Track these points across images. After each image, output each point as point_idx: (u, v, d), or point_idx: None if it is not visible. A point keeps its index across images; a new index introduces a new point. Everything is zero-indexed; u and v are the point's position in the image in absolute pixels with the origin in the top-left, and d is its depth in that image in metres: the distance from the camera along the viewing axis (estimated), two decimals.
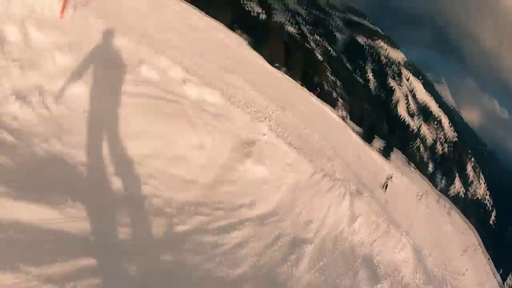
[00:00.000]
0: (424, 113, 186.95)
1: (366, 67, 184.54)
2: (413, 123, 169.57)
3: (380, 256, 9.78)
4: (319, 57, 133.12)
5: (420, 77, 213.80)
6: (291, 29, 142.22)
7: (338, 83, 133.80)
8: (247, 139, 7.00)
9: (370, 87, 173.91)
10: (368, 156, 31.18)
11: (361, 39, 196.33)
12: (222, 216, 4.79)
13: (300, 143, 12.59)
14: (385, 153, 64.63)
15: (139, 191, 4.24)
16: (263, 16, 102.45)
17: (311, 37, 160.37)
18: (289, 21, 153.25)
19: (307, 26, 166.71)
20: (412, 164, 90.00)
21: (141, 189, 4.27)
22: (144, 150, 4.78)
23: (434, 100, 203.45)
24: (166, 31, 13.80)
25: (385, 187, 21.18)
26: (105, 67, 5.44)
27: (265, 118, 11.40)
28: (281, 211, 6.20)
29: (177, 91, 6.47)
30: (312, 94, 39.72)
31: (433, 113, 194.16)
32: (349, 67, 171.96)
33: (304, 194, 7.77)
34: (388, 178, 22.45)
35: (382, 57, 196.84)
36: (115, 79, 5.42)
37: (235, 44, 29.19)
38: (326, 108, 37.02)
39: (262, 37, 62.00)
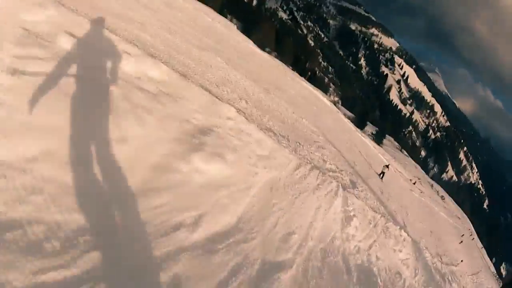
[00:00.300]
0: (417, 99, 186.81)
1: (358, 54, 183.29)
2: (405, 109, 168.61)
3: (379, 262, 8.31)
4: (311, 43, 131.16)
5: (414, 65, 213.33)
6: (283, 15, 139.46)
7: (330, 69, 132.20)
8: (203, 126, 5.21)
9: (363, 73, 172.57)
10: (361, 142, 29.74)
11: (354, 26, 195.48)
12: (144, 247, 3.05)
13: (284, 129, 10.92)
14: (378, 139, 64.20)
15: (8, 214, 2.51)
16: (255, 2, 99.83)
17: (304, 24, 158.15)
18: (281, 7, 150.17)
19: (300, 13, 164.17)
20: (404, 151, 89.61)
21: (13, 212, 2.54)
22: (30, 150, 3.02)
23: (426, 88, 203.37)
24: (135, 9, 12.01)
25: (381, 175, 20.04)
26: (12, 42, 3.74)
27: (241, 99, 9.66)
28: (247, 225, 4.45)
29: (103, 65, 4.70)
30: (303, 78, 37.96)
31: (426, 99, 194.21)
32: (341, 53, 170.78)
33: (283, 196, 6.06)
34: (385, 167, 21.70)
35: (375, 44, 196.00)
36: (18, 55, 3.67)
37: (222, 27, 27.19)
38: (317, 92, 35.28)
39: (253, 22, 60.57)
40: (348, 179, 12.44)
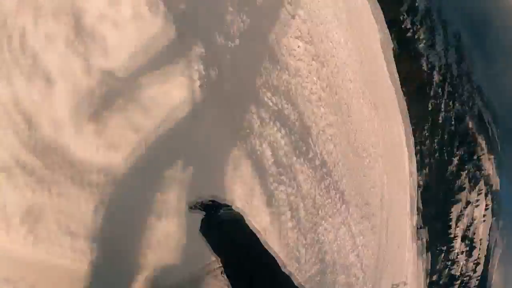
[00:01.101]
0: (471, 248, 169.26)
1: (457, 151, 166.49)
2: (457, 245, 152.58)
3: None
4: (430, 107, 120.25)
5: (494, 217, 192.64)
6: (429, 64, 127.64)
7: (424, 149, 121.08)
8: None
9: (448, 168, 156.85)
10: (402, 236, 21.35)
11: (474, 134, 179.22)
12: None
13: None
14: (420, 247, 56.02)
15: None
16: (415, 33, 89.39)
17: (438, 89, 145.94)
18: (440, 66, 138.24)
19: (447, 86, 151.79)
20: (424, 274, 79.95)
21: None
22: None
23: (487, 246, 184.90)
24: None
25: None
26: None
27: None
28: None
29: None
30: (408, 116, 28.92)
31: (479, 255, 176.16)
32: (445, 137, 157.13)
33: None
34: (401, 283, 18.83)
35: (481, 166, 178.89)
36: None
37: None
38: (406, 149, 26.59)
39: (408, 45, 51.49)
40: None
